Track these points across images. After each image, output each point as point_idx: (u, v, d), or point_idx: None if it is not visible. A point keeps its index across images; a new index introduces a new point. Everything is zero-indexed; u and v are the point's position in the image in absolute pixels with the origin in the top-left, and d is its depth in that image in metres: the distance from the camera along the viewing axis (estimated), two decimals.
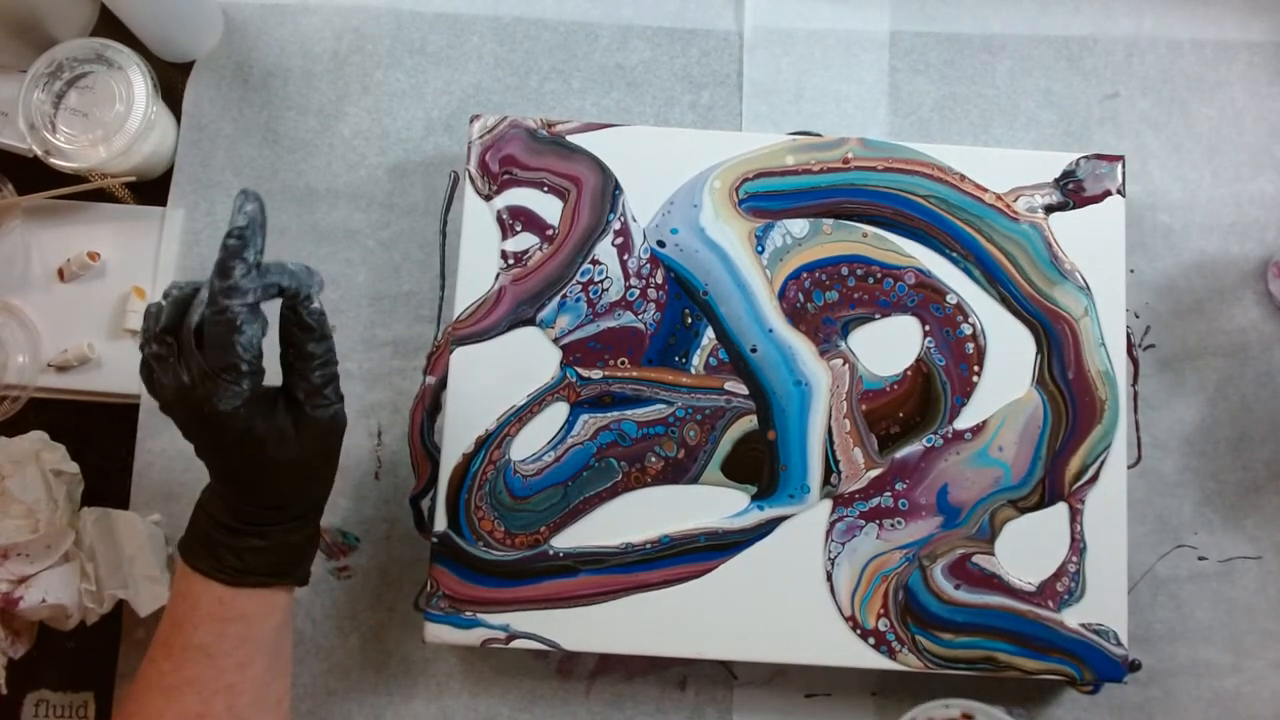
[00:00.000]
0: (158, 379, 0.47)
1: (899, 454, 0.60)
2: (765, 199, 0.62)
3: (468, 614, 0.58)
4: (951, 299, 0.61)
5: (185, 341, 0.46)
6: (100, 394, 0.65)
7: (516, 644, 0.58)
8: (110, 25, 0.68)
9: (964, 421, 0.60)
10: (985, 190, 0.62)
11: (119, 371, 0.65)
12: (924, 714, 0.54)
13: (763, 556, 0.59)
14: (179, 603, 0.50)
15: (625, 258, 0.61)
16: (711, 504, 0.59)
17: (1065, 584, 0.58)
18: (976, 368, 0.60)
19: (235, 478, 0.49)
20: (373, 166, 0.68)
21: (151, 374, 0.48)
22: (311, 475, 0.51)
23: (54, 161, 0.63)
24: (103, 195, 0.67)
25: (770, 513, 0.59)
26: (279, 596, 0.50)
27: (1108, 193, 0.62)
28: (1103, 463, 0.59)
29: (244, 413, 0.46)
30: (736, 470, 0.60)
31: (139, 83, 0.63)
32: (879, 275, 0.61)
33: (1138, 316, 0.66)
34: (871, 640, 0.58)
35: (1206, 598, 0.63)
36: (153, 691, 0.49)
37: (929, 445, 0.60)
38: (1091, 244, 0.61)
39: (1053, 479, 0.59)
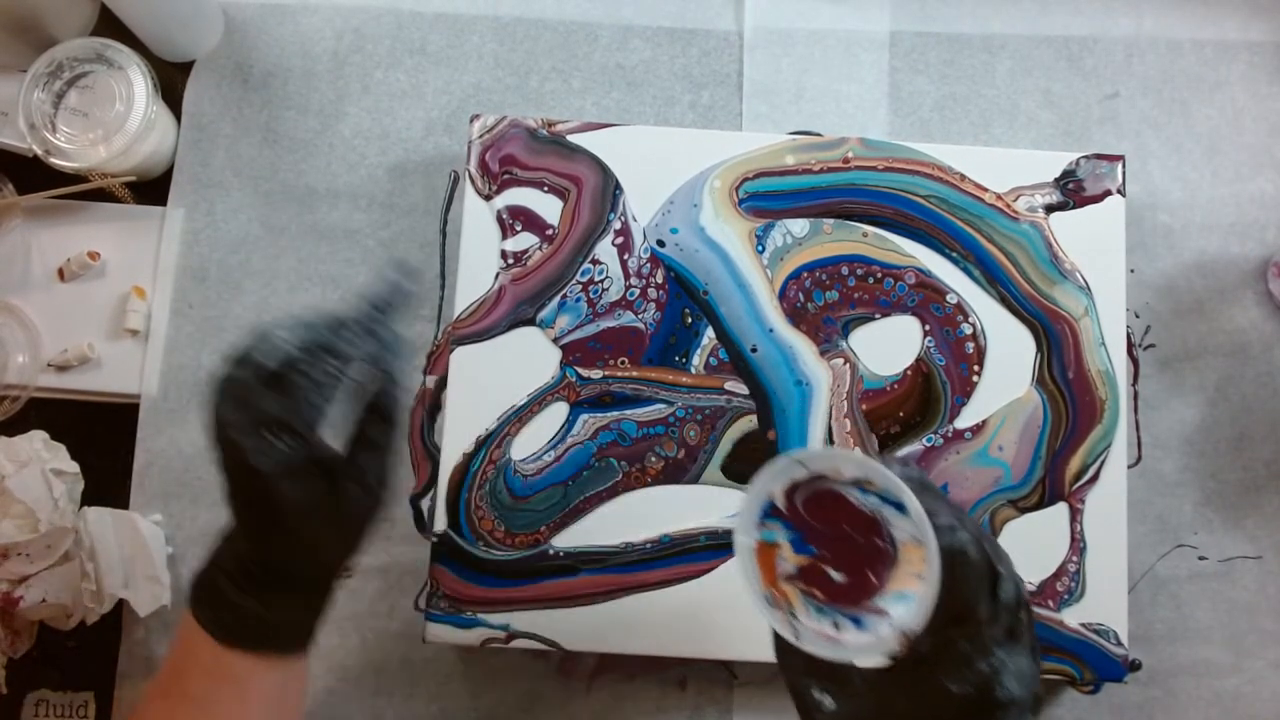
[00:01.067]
0: (215, 402, 0.44)
1: (899, 453, 0.60)
2: (765, 199, 0.62)
3: (468, 614, 0.58)
4: (951, 299, 0.61)
5: (251, 374, 0.44)
6: (100, 394, 0.65)
7: (516, 644, 0.58)
8: (110, 25, 0.68)
9: (964, 421, 0.60)
10: (985, 190, 0.62)
11: (119, 371, 0.65)
12: (776, 481, 0.43)
13: None
14: (179, 648, 0.48)
15: (625, 257, 0.61)
16: (711, 504, 0.59)
17: (1065, 584, 0.58)
18: (976, 367, 0.60)
19: (251, 532, 0.46)
20: (373, 166, 0.68)
21: (221, 399, 0.45)
22: (329, 556, 0.47)
23: (54, 161, 0.63)
24: (103, 195, 0.67)
25: None
26: (277, 663, 0.47)
27: (1108, 192, 0.62)
28: (1103, 462, 0.59)
29: (276, 473, 0.43)
30: (736, 470, 0.59)
31: (139, 83, 0.63)
32: (879, 275, 0.61)
33: (1138, 316, 0.66)
34: None
35: (1206, 598, 0.63)
36: None
37: (929, 445, 0.60)
38: (1091, 244, 0.61)
39: (1053, 479, 0.59)
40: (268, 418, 0.43)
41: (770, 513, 0.42)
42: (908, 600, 0.40)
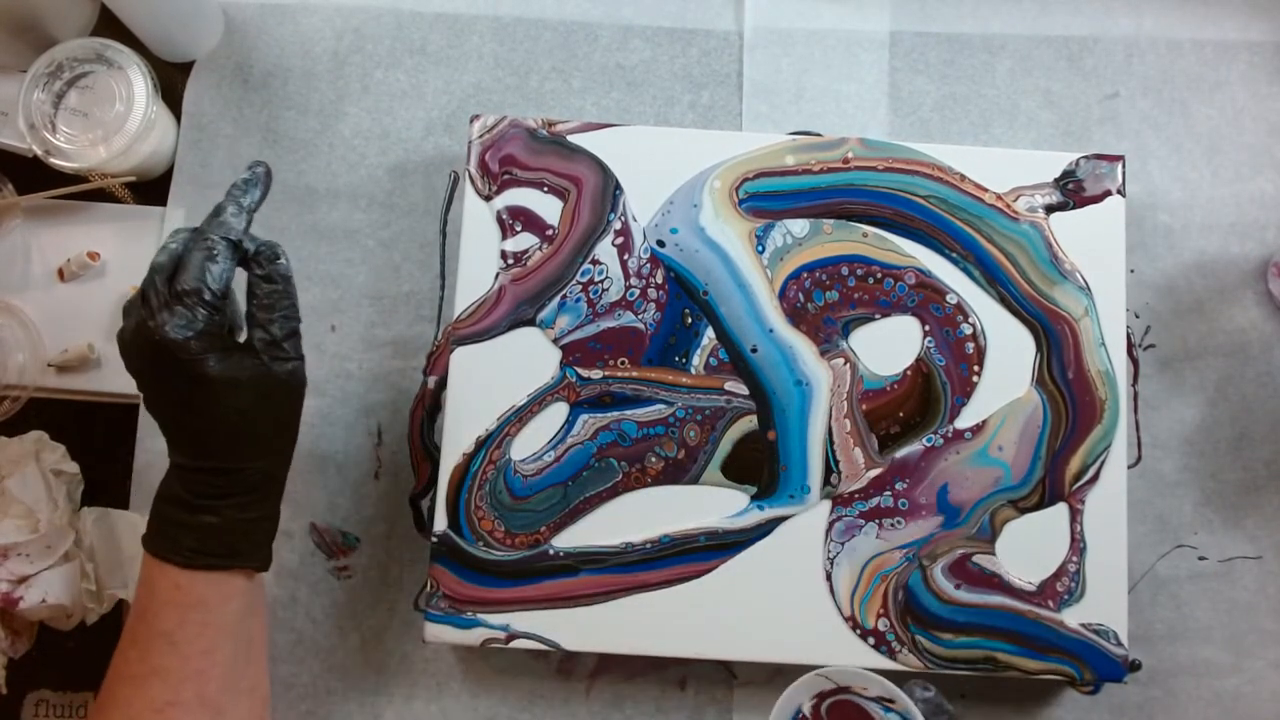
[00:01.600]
0: (125, 312, 0.49)
1: (899, 454, 0.60)
2: (765, 199, 0.62)
3: (468, 614, 0.58)
4: (951, 299, 0.61)
5: (152, 273, 0.48)
6: (100, 394, 0.65)
7: (516, 644, 0.58)
8: (110, 25, 0.68)
9: (964, 421, 0.60)
10: (985, 190, 0.62)
11: (119, 371, 0.64)
12: (803, 693, 0.48)
13: (762, 556, 0.59)
14: (141, 590, 0.50)
15: (625, 258, 0.61)
16: (712, 504, 0.59)
17: (1065, 584, 0.58)
18: (976, 367, 0.60)
19: (184, 429, 0.49)
20: (373, 166, 0.68)
21: (125, 317, 0.49)
22: (262, 437, 0.50)
23: (54, 161, 0.63)
24: (103, 195, 0.67)
25: (770, 513, 0.59)
26: (237, 581, 0.50)
27: (1108, 193, 0.62)
28: (1103, 463, 0.59)
29: (195, 346, 0.47)
30: (736, 471, 0.60)
31: (139, 83, 0.63)
32: (879, 275, 0.61)
33: (1138, 316, 0.66)
34: (871, 640, 0.58)
35: (1206, 598, 0.63)
36: (121, 682, 0.49)
37: (929, 445, 0.60)
38: (1091, 244, 0.61)
39: (1053, 479, 0.59)
40: (177, 290, 0.47)
41: (798, 719, 0.47)
42: None
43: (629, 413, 0.60)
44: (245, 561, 0.50)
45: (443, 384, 0.63)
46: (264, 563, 0.52)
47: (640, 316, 0.61)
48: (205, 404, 0.48)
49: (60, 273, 0.66)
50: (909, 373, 0.60)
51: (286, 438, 0.52)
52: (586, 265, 0.61)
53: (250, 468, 0.50)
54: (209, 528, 0.49)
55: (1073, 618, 0.58)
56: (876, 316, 0.61)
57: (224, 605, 0.50)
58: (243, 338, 0.51)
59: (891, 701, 0.46)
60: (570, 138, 0.62)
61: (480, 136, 0.62)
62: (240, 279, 0.51)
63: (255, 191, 0.50)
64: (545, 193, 0.62)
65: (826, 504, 0.59)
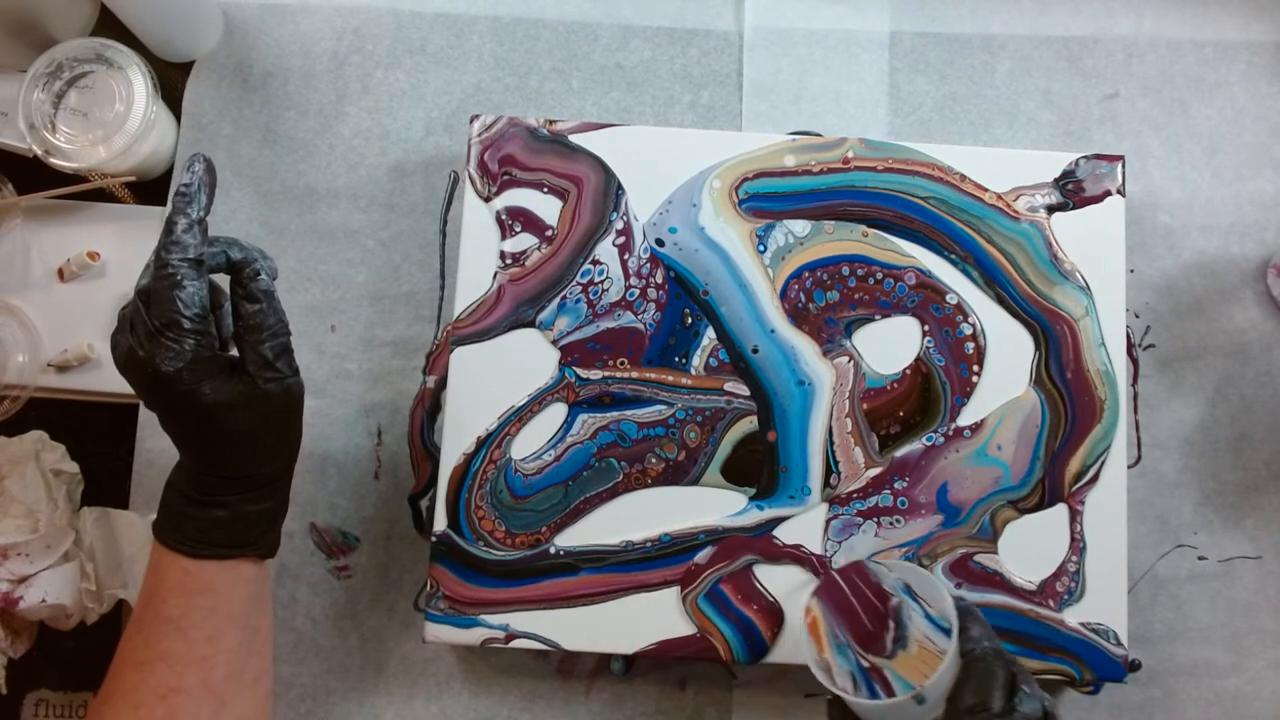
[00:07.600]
0: (114, 338, 0.49)
1: (899, 453, 0.60)
2: (765, 199, 0.62)
3: (467, 614, 0.58)
4: (951, 299, 0.61)
5: (136, 299, 0.47)
6: (100, 394, 0.65)
7: (516, 644, 0.58)
8: (110, 25, 0.68)
9: (963, 421, 0.60)
10: (985, 190, 0.62)
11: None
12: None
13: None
14: (149, 577, 0.50)
15: (626, 257, 0.61)
16: (713, 504, 0.59)
17: (1065, 584, 0.58)
18: (976, 368, 0.60)
19: (191, 446, 0.50)
20: (373, 166, 0.68)
21: (115, 334, 0.49)
22: (268, 448, 0.50)
23: (54, 161, 0.63)
24: (103, 195, 0.67)
25: (770, 512, 0.59)
26: (245, 568, 0.51)
27: (1108, 193, 0.62)
28: (1103, 463, 0.59)
29: (188, 376, 0.46)
30: (736, 472, 0.59)
31: (139, 83, 0.63)
32: (879, 275, 0.61)
33: (1138, 316, 0.66)
34: None
35: (1206, 598, 0.63)
36: (127, 667, 0.49)
37: (929, 444, 0.60)
38: (1091, 244, 0.61)
39: (1052, 479, 0.59)
40: (155, 325, 0.46)
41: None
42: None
43: (629, 413, 0.60)
44: (251, 550, 0.51)
45: (443, 384, 0.63)
46: (270, 549, 0.52)
47: (640, 317, 0.61)
48: (206, 426, 0.48)
49: (60, 273, 0.66)
50: (908, 372, 0.60)
51: (291, 442, 0.52)
52: (586, 266, 0.61)
53: (257, 472, 0.50)
54: (217, 520, 0.50)
55: (1073, 617, 0.58)
56: (877, 317, 0.61)
57: (231, 592, 0.50)
58: (234, 350, 0.51)
59: (915, 590, 0.50)
60: (570, 137, 0.62)
61: (480, 136, 0.62)
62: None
63: (201, 197, 0.48)
64: (545, 193, 0.62)
65: (826, 503, 0.59)
